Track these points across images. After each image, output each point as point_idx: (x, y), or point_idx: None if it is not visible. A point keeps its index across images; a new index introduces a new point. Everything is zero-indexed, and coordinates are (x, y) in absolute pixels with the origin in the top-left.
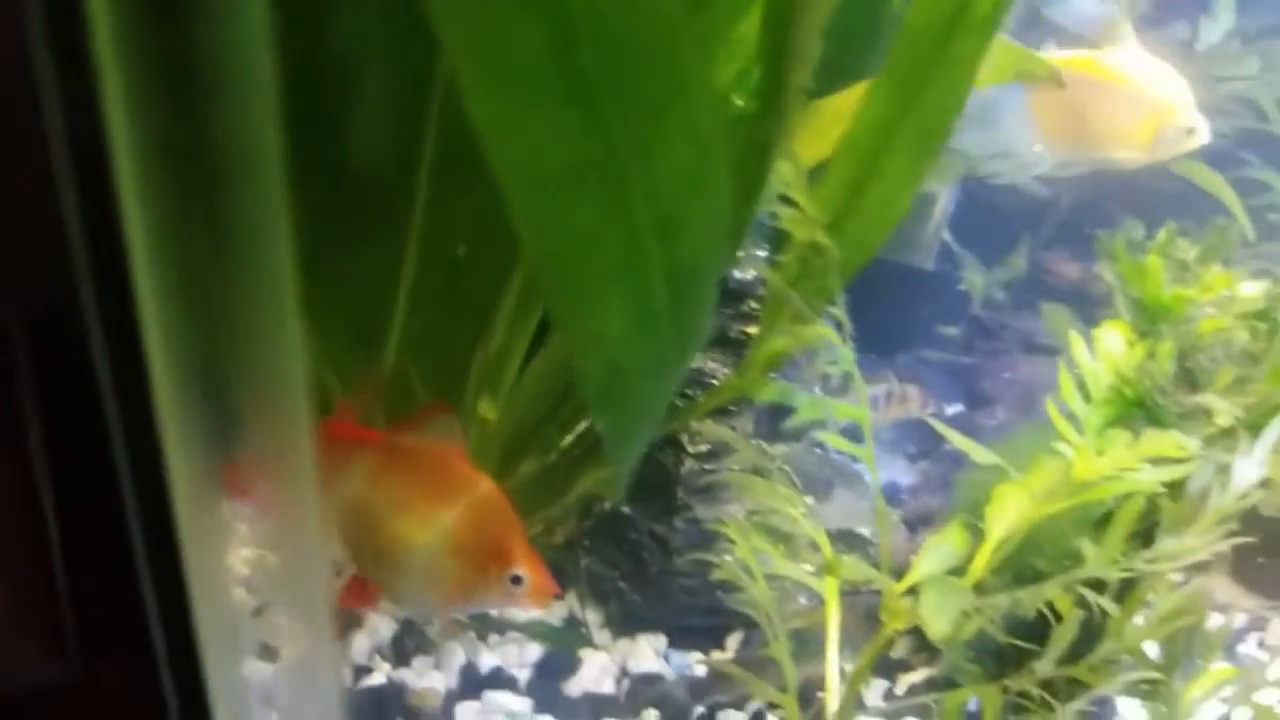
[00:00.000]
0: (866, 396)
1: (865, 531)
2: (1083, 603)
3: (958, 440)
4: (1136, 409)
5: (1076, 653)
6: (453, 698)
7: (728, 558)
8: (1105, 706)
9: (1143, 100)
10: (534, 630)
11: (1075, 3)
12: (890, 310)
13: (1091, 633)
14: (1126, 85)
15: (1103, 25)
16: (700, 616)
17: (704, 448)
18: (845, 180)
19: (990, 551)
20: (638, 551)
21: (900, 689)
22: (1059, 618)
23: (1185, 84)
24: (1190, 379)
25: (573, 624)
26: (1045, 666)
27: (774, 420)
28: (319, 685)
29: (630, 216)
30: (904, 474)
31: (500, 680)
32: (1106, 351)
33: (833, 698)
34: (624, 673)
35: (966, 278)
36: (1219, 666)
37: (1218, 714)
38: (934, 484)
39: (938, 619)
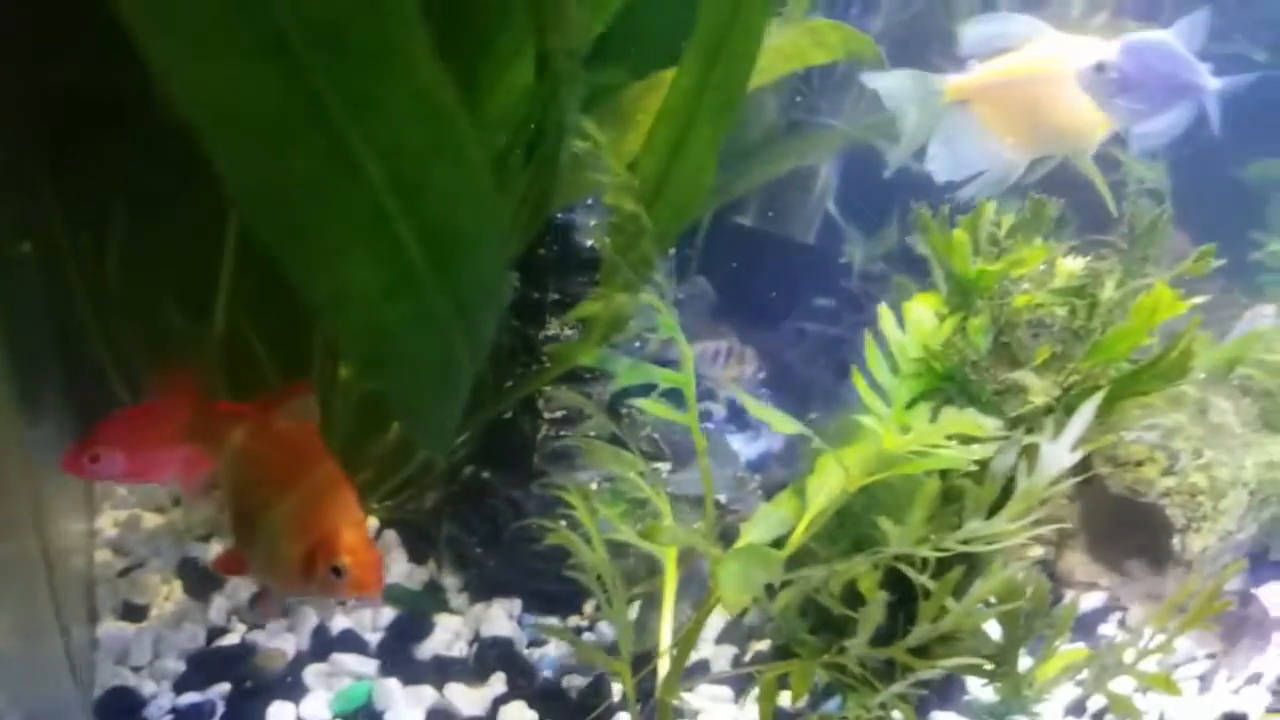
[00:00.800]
0: (691, 362)
1: (723, 498)
2: (900, 581)
3: (756, 409)
4: (948, 384)
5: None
6: (302, 660)
7: (563, 524)
8: (955, 685)
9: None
10: (390, 594)
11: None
12: (773, 282)
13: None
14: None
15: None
16: (557, 582)
17: (560, 414)
18: (662, 149)
19: (807, 523)
20: (495, 517)
21: (749, 656)
22: (905, 593)
23: None
24: (1010, 355)
25: (433, 588)
26: (858, 645)
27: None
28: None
29: (359, 172)
30: (778, 441)
31: (350, 643)
32: (915, 325)
33: (663, 663)
34: (476, 637)
35: (847, 250)
36: (1075, 647)
37: (1073, 696)
38: (800, 452)
39: (732, 590)
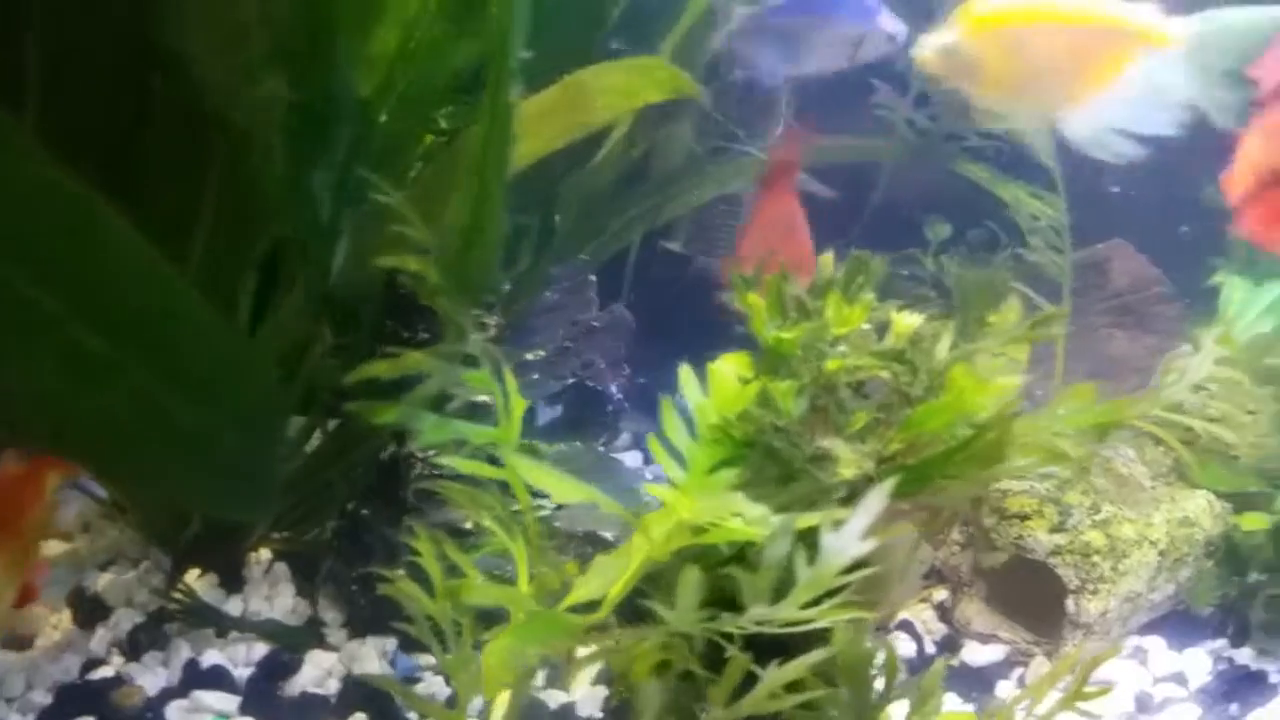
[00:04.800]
0: (520, 417)
1: (609, 535)
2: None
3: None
4: (752, 451)
5: None
6: (167, 695)
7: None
8: None
9: None
10: (263, 629)
11: None
12: (700, 308)
13: None
14: None
15: None
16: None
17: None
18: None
19: (622, 586)
20: (370, 554)
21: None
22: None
23: None
24: (829, 421)
25: (313, 624)
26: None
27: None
28: None
29: None
30: None
31: (217, 679)
32: (717, 387)
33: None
34: (347, 674)
35: None
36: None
37: None
38: None
39: (496, 671)
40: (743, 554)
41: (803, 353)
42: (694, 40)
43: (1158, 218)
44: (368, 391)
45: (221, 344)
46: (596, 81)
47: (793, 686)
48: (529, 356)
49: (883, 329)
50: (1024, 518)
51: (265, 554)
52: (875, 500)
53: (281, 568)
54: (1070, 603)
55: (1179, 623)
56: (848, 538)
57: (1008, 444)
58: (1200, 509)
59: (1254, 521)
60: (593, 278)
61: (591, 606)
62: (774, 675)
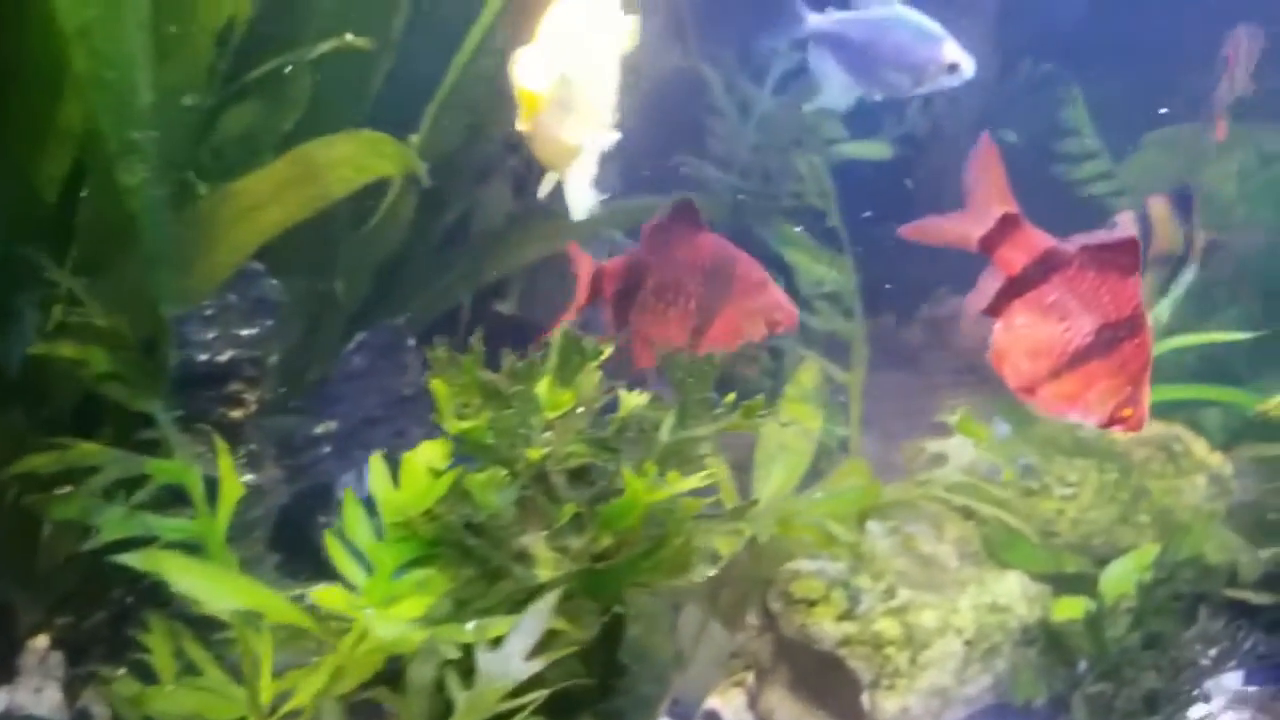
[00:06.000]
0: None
1: None
2: None
3: None
4: (448, 550)
5: None
6: None
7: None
8: None
9: None
10: None
11: None
12: None
13: None
14: None
15: None
16: None
17: None
18: None
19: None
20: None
21: None
22: None
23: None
24: (539, 514)
25: (81, 716)
26: None
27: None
28: None
29: None
30: None
31: None
32: (407, 481)
33: None
34: None
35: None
36: None
37: None
38: None
39: None
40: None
41: (506, 440)
42: (457, 108)
43: None
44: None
45: None
46: (325, 154)
47: None
48: (319, 430)
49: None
50: (811, 603)
51: (43, 640)
52: (534, 621)
53: (56, 657)
54: (865, 699)
55: (1005, 717)
56: (508, 659)
57: (692, 551)
58: (1013, 592)
59: (1067, 609)
60: (411, 341)
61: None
62: None
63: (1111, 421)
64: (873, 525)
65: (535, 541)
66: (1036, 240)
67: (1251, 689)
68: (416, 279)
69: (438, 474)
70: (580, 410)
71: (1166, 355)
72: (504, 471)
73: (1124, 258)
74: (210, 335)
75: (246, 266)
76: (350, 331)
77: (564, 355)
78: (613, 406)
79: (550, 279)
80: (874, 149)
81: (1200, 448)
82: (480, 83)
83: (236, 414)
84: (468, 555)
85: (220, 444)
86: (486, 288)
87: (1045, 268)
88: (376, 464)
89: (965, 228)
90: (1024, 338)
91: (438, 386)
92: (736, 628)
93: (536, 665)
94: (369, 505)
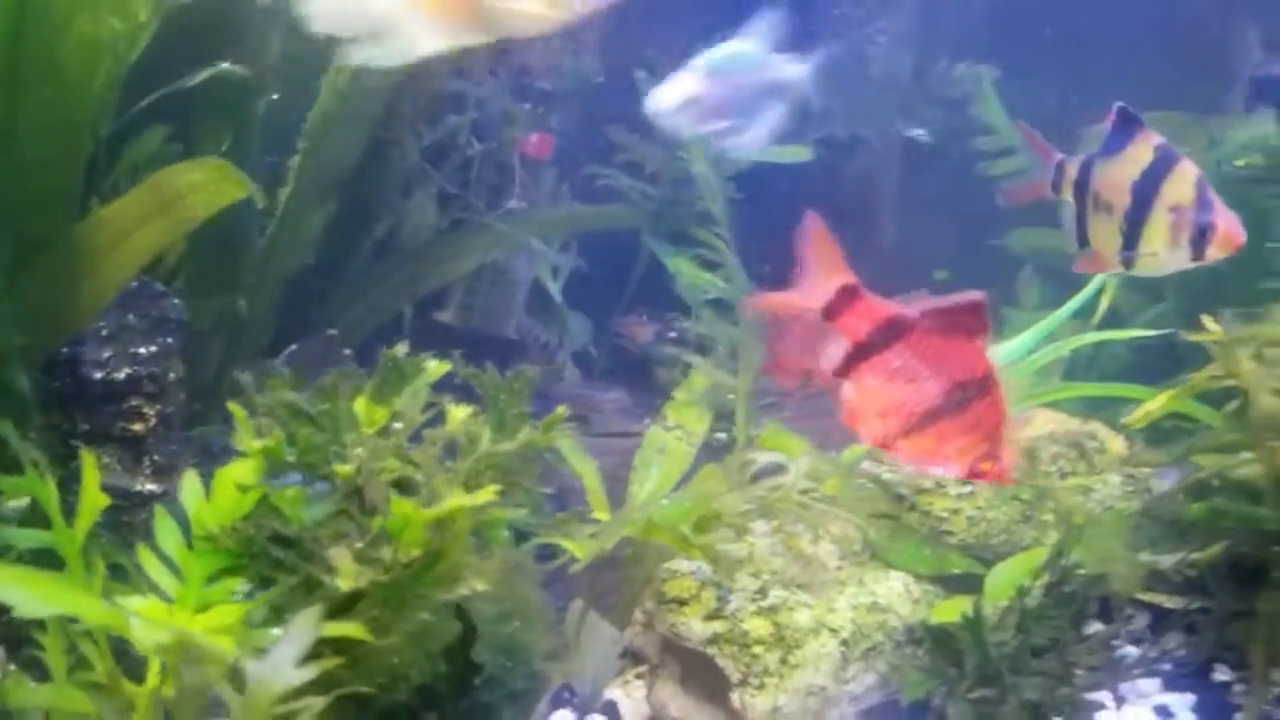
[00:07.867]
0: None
1: None
2: None
3: None
4: (259, 562)
5: None
6: None
7: None
8: None
9: None
10: None
11: None
12: None
13: None
14: None
15: None
16: None
17: None
18: None
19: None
20: None
21: None
22: None
23: None
24: (357, 525)
25: None
26: None
27: None
28: None
29: None
30: None
31: None
32: (218, 495)
33: None
34: None
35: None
36: None
37: None
38: None
39: None
40: None
41: (313, 456)
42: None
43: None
44: None
45: None
46: (184, 180)
47: None
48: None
49: None
50: (681, 602)
51: None
52: (302, 630)
53: None
54: (735, 698)
55: (896, 716)
56: (277, 665)
57: (462, 568)
58: (894, 592)
59: (944, 612)
60: (347, 351)
61: None
62: None
63: (972, 474)
64: (757, 525)
65: (340, 553)
66: (877, 309)
67: (1171, 696)
68: (347, 292)
69: (244, 490)
70: (399, 426)
71: (1104, 348)
72: (314, 487)
73: (970, 319)
74: (106, 354)
75: (147, 286)
76: (281, 344)
77: (384, 374)
78: None
79: (484, 286)
80: (794, 152)
81: (1118, 445)
82: (369, 96)
83: (137, 427)
84: (279, 566)
85: (87, 456)
86: (428, 298)
87: (888, 334)
88: (190, 479)
89: (807, 299)
90: (874, 400)
91: (235, 409)
92: (624, 623)
93: (309, 673)
94: None
